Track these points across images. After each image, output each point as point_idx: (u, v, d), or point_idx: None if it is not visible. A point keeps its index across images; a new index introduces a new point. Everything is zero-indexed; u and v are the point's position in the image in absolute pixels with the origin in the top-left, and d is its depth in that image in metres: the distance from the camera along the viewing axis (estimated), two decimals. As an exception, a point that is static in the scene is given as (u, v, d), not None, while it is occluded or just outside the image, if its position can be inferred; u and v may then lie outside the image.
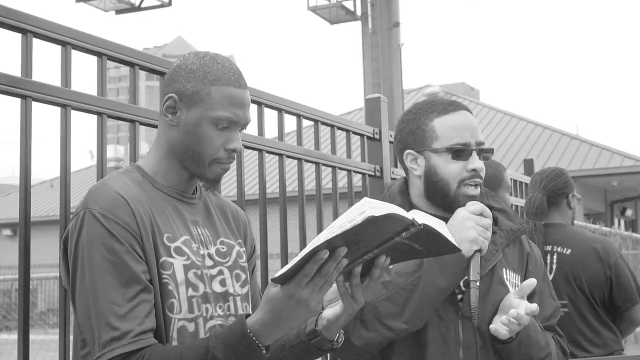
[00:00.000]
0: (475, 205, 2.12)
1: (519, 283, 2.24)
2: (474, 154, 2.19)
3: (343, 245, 1.58)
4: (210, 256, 1.87)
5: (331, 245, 1.56)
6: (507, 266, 2.25)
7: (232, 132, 1.84)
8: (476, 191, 2.19)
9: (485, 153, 2.23)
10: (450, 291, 2.13)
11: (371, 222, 1.54)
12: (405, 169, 2.31)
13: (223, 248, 1.91)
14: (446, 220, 2.08)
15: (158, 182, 1.86)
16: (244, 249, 1.98)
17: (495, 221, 2.29)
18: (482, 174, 2.20)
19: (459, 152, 2.19)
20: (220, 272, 1.87)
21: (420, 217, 1.66)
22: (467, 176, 2.18)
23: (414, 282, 2.09)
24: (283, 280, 1.60)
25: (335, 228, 1.54)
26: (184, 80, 1.83)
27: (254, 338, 1.62)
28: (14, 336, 2.43)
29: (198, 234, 1.87)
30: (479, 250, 2.08)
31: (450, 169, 2.19)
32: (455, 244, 1.78)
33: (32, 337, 2.09)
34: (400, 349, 2.17)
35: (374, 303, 2.09)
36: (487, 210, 2.14)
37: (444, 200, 2.20)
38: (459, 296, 2.18)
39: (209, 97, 1.81)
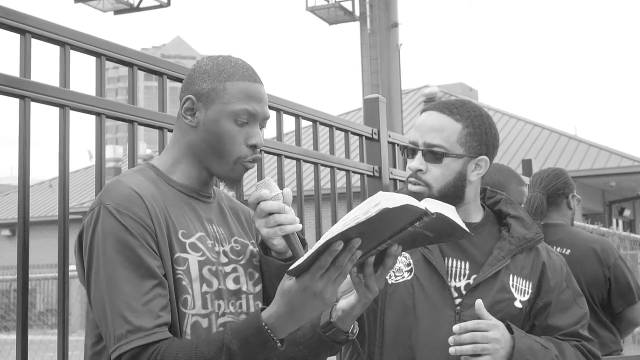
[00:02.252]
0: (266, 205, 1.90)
1: (529, 290, 2.22)
2: (419, 153, 2.23)
3: (357, 237, 1.59)
4: (225, 253, 1.87)
5: (345, 236, 1.57)
6: (516, 273, 2.22)
7: (252, 128, 1.85)
8: (414, 188, 2.22)
9: (431, 154, 2.22)
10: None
11: (385, 214, 1.54)
12: None
13: (237, 246, 1.92)
14: None
15: (173, 180, 1.87)
16: (257, 249, 1.99)
17: (508, 228, 2.28)
18: (423, 175, 2.21)
19: (408, 151, 2.27)
20: (235, 270, 1.88)
21: (433, 205, 1.67)
22: (410, 174, 2.25)
23: None
24: (298, 272, 1.61)
25: (349, 220, 1.55)
26: (200, 80, 1.85)
27: (269, 331, 1.63)
28: (12, 336, 2.42)
29: (213, 231, 1.88)
30: (287, 235, 1.85)
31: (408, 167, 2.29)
32: (466, 228, 1.79)
33: (30, 337, 2.10)
34: (391, 350, 2.17)
35: None
36: (264, 204, 1.84)
37: None
38: (457, 300, 2.18)
39: (225, 92, 1.83)
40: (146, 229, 1.72)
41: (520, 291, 2.21)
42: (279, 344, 1.65)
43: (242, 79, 1.85)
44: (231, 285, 1.86)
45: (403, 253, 2.20)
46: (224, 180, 1.88)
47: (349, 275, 1.76)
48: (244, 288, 1.88)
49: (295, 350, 1.89)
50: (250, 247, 1.96)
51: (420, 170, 2.21)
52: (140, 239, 1.71)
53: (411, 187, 2.22)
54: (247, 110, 1.83)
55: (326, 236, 1.56)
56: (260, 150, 2.88)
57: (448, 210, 1.74)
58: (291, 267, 1.60)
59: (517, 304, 2.20)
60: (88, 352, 1.80)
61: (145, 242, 1.71)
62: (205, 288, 1.79)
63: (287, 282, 1.63)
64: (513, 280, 2.21)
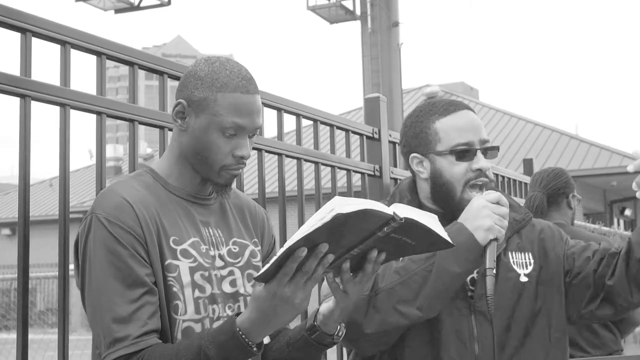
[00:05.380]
0: (492, 194, 2.11)
1: (531, 260, 2.24)
2: (479, 153, 2.19)
3: (324, 242, 1.59)
4: (221, 257, 1.89)
5: (310, 242, 1.57)
6: (513, 249, 2.24)
7: (240, 139, 1.84)
8: (495, 195, 2.16)
9: (490, 151, 2.22)
10: (464, 278, 2.10)
11: (343, 219, 1.54)
12: (413, 173, 2.30)
13: (235, 248, 1.93)
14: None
15: (171, 184, 1.89)
16: (259, 247, 2.00)
17: None
18: (489, 173, 2.20)
19: (463, 153, 2.18)
20: (231, 273, 1.89)
21: (404, 211, 1.65)
22: (473, 176, 2.18)
23: (427, 268, 2.07)
24: (265, 278, 1.61)
25: (307, 227, 1.55)
26: (193, 87, 1.85)
27: (243, 336, 1.65)
28: (13, 336, 2.43)
29: (209, 235, 1.89)
30: (495, 239, 2.06)
31: (455, 171, 2.19)
32: (449, 239, 1.76)
33: (31, 336, 2.10)
34: (414, 345, 2.16)
35: (387, 289, 2.08)
36: (504, 199, 2.11)
37: (449, 203, 2.20)
38: (470, 292, 2.18)
39: (216, 103, 1.82)
40: (136, 237, 1.75)
41: (522, 265, 2.23)
42: (254, 349, 1.66)
43: (235, 90, 1.83)
44: (227, 289, 1.87)
45: None
46: (213, 185, 1.90)
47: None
48: (242, 290, 1.90)
49: (285, 352, 1.90)
50: (251, 247, 1.96)
51: (488, 168, 2.20)
52: (129, 249, 1.74)
53: (491, 194, 2.13)
54: (236, 124, 1.82)
55: (288, 243, 1.57)
56: (261, 150, 2.89)
57: (426, 218, 1.70)
58: (258, 274, 1.61)
59: (522, 279, 2.21)
60: (95, 352, 1.84)
61: (135, 251, 1.74)
62: (197, 293, 1.81)
63: (257, 288, 1.65)
64: (513, 257, 2.23)
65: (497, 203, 2.10)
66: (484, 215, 2.07)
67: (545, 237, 2.29)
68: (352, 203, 1.56)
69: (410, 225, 1.65)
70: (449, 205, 2.20)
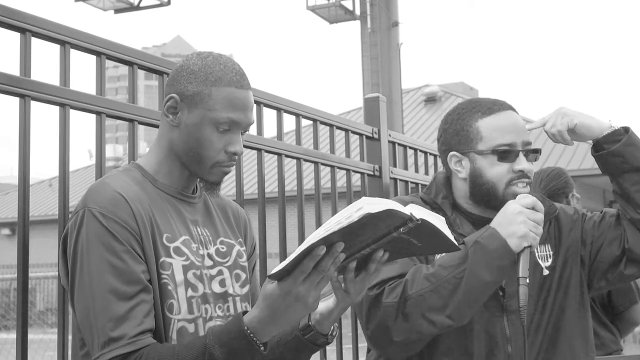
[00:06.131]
0: (528, 199, 2.06)
1: (550, 252, 2.23)
2: (521, 155, 2.16)
3: (340, 241, 1.57)
4: (210, 256, 1.86)
5: (328, 241, 1.56)
6: (538, 243, 2.19)
7: (233, 135, 1.82)
8: (525, 189, 2.15)
9: (533, 153, 2.19)
10: (496, 286, 2.06)
11: (368, 219, 1.54)
12: (449, 171, 2.26)
13: (223, 248, 1.90)
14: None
15: (159, 181, 1.85)
16: (244, 248, 1.97)
17: None
18: (531, 175, 2.17)
19: (505, 154, 2.15)
20: (220, 272, 1.86)
21: (419, 212, 1.65)
22: (515, 177, 2.15)
23: (458, 276, 2.02)
24: (280, 276, 1.60)
25: (332, 224, 1.54)
26: (186, 81, 1.82)
27: (251, 335, 1.61)
28: (12, 335, 2.43)
29: (198, 234, 1.86)
30: (530, 247, 2.01)
31: (496, 171, 2.15)
32: (454, 241, 1.75)
33: (30, 336, 2.09)
34: (447, 346, 2.14)
35: (417, 296, 2.03)
36: (539, 205, 2.06)
37: (490, 203, 2.16)
38: (501, 292, 2.15)
39: (210, 98, 1.79)
40: (131, 233, 1.71)
41: (543, 257, 2.22)
42: (262, 348, 1.63)
43: (229, 84, 1.80)
44: (217, 289, 1.84)
45: None
46: (203, 182, 1.87)
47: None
48: (230, 290, 1.87)
49: (277, 352, 1.87)
50: (237, 247, 1.94)
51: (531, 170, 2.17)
52: (125, 244, 1.69)
53: (521, 189, 2.13)
54: (230, 119, 1.80)
55: (308, 241, 1.55)
56: (261, 150, 2.89)
57: (436, 220, 1.70)
58: (273, 271, 1.59)
59: (544, 272, 2.21)
60: (75, 356, 1.79)
61: (131, 246, 1.70)
62: (190, 292, 1.77)
63: (269, 286, 1.61)
64: (538, 252, 2.22)
65: (533, 209, 2.05)
66: (519, 221, 2.02)
67: (560, 221, 2.27)
68: (378, 202, 1.56)
69: (424, 226, 1.65)
70: (491, 204, 2.16)
